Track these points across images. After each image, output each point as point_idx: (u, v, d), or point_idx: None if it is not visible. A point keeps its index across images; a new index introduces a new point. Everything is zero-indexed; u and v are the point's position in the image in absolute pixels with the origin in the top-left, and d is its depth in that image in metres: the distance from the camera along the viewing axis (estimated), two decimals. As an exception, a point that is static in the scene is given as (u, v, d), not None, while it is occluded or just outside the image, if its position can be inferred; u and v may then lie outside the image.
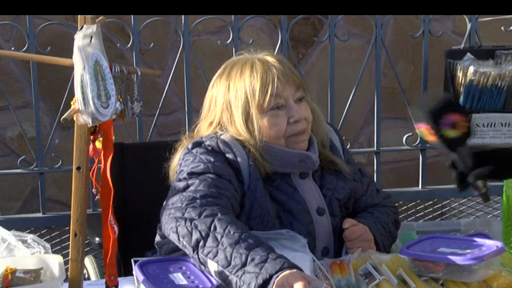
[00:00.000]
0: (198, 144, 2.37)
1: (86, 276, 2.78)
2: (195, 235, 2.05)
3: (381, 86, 3.72)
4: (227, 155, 2.35)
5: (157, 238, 2.45)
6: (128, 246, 2.72)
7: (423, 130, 1.92)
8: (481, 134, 3.45)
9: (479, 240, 2.11)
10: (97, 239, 2.72)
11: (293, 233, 2.19)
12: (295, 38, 4.32)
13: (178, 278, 1.95)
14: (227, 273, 1.95)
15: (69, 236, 1.81)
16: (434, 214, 4.20)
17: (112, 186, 1.81)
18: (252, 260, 1.93)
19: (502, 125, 3.45)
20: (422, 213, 4.16)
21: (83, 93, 1.64)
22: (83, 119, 1.66)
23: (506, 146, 2.02)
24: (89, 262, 2.82)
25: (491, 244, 2.06)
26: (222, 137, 2.38)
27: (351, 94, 3.64)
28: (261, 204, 2.33)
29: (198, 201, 2.17)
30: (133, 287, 2.01)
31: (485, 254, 1.99)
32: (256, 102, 2.37)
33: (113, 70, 1.72)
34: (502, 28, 3.77)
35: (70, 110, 1.67)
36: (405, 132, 3.72)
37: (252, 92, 2.37)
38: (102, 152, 1.78)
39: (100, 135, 1.77)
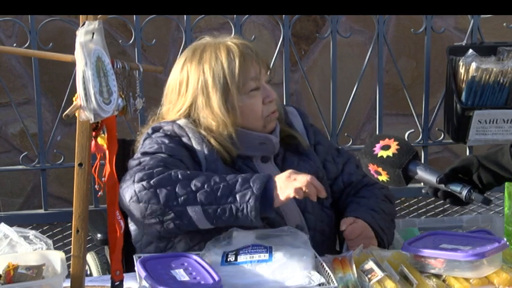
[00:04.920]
0: (156, 129, 2.46)
1: (88, 272, 2.78)
2: (162, 192, 2.19)
3: (383, 83, 3.72)
4: (182, 138, 2.43)
5: (132, 234, 2.47)
6: (129, 242, 2.71)
7: (374, 170, 2.08)
8: (483, 130, 3.45)
9: (481, 236, 2.11)
10: (99, 235, 2.72)
11: (294, 229, 2.19)
12: (298, 34, 4.31)
13: (180, 274, 1.95)
14: (215, 207, 2.09)
15: (71, 233, 1.81)
16: (436, 211, 4.20)
17: (117, 182, 1.81)
18: (236, 181, 2.14)
19: (504, 122, 3.45)
20: (424, 209, 4.16)
21: (85, 89, 1.64)
22: (85, 115, 1.66)
23: (507, 143, 2.06)
24: (91, 258, 2.83)
25: (493, 240, 2.06)
26: (177, 121, 2.46)
27: (353, 90, 3.63)
28: None
29: (146, 167, 2.28)
30: (135, 283, 2.01)
31: (486, 251, 1.99)
32: (236, 83, 2.43)
33: (115, 66, 1.72)
34: (504, 24, 3.77)
35: (71, 106, 1.67)
36: (407, 128, 3.72)
37: (231, 73, 2.42)
38: (106, 148, 1.78)
39: (102, 132, 1.77)
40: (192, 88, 2.46)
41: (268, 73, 2.51)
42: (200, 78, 2.44)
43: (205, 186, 2.21)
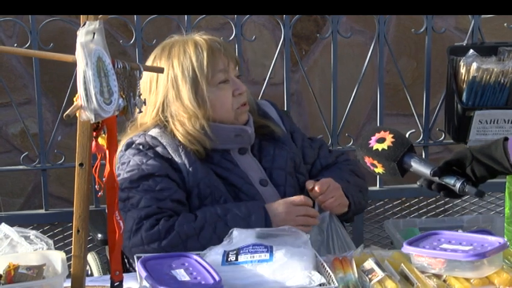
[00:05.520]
0: (129, 145, 2.48)
1: (89, 272, 2.78)
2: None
3: (384, 83, 3.72)
4: (157, 149, 2.45)
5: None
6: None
7: (370, 163, 2.13)
8: (483, 130, 3.45)
9: (481, 236, 2.10)
10: (100, 235, 2.72)
11: (295, 229, 2.20)
12: (298, 34, 4.31)
13: (181, 274, 1.95)
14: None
15: (71, 233, 1.81)
16: (437, 211, 4.20)
17: (117, 182, 1.81)
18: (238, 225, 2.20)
19: (505, 122, 3.44)
20: (424, 209, 4.16)
21: (86, 89, 1.64)
22: (86, 116, 1.66)
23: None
24: (91, 258, 2.83)
25: (493, 240, 2.06)
26: (149, 133, 2.48)
27: (354, 91, 3.63)
28: (208, 183, 2.44)
29: (142, 214, 2.36)
30: (135, 283, 2.01)
31: (487, 251, 1.99)
32: (205, 75, 2.47)
33: (115, 66, 1.72)
34: (505, 24, 3.76)
35: (72, 107, 1.67)
36: (408, 128, 3.72)
37: (200, 66, 2.47)
38: (106, 148, 1.77)
39: (102, 132, 1.76)
40: (162, 84, 2.49)
41: (237, 68, 2.56)
42: (169, 73, 2.48)
43: (212, 236, 2.29)
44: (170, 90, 2.48)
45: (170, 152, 2.45)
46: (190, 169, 2.44)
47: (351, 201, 2.56)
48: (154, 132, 2.49)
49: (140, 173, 2.41)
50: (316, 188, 2.49)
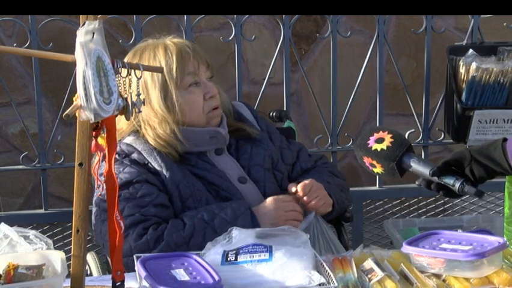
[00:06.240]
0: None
1: (89, 272, 2.78)
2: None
3: (384, 83, 3.71)
4: (132, 156, 2.47)
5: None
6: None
7: (368, 163, 2.14)
8: (483, 130, 3.45)
9: (481, 236, 2.11)
10: (99, 235, 2.72)
11: (294, 229, 2.20)
12: (298, 34, 4.31)
13: (180, 274, 1.95)
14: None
15: (71, 232, 1.81)
16: (437, 210, 4.20)
17: (117, 182, 1.81)
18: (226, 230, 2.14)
19: (504, 122, 3.44)
20: (424, 209, 4.16)
21: (86, 89, 1.64)
22: (86, 115, 1.66)
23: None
24: (91, 258, 2.82)
25: (493, 240, 2.06)
26: (124, 141, 2.50)
27: (354, 90, 3.63)
28: (187, 184, 2.45)
29: (128, 223, 2.33)
30: (135, 283, 2.01)
31: (487, 250, 1.99)
32: (174, 79, 2.47)
33: (115, 66, 1.72)
34: (505, 24, 3.76)
35: (72, 106, 1.67)
36: (407, 128, 3.72)
37: (169, 70, 2.47)
38: (106, 148, 1.78)
39: (102, 131, 1.77)
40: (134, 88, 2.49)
41: (208, 70, 2.56)
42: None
43: (202, 244, 2.21)
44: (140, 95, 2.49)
45: (146, 157, 2.47)
46: (168, 172, 2.45)
47: (334, 199, 2.59)
48: (129, 139, 2.51)
49: (119, 182, 2.38)
50: (299, 190, 2.51)
